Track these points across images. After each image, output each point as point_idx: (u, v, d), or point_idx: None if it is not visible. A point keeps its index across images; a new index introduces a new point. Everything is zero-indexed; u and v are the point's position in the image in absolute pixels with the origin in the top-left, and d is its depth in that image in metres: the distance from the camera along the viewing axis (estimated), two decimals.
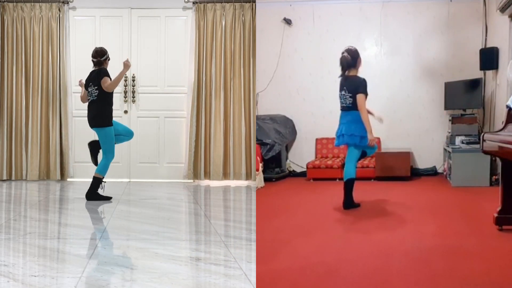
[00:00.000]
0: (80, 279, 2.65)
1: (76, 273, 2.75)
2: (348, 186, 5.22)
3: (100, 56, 5.41)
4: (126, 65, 5.42)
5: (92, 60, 5.46)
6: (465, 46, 7.69)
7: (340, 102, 5.29)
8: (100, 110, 5.36)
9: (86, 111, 5.48)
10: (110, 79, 5.34)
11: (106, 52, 5.49)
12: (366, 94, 5.18)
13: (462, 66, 7.69)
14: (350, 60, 5.19)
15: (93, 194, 5.41)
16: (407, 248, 3.70)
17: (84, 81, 5.53)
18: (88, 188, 5.44)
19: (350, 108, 5.20)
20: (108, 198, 5.48)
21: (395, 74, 7.98)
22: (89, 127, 5.53)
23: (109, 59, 5.53)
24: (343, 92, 5.23)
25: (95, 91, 5.35)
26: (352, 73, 5.24)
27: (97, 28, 7.28)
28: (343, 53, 5.23)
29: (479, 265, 3.26)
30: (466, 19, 7.71)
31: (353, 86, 5.15)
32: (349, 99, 5.17)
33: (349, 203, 5.20)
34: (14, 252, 3.26)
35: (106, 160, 5.43)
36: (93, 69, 5.46)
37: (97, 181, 5.43)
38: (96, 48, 5.54)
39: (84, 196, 5.44)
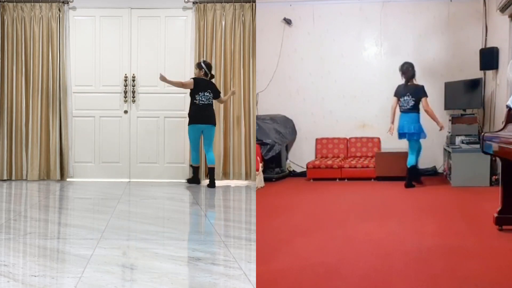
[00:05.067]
0: (80, 279, 2.65)
1: (76, 273, 2.75)
2: (412, 171, 6.68)
3: (211, 70, 6.70)
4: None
5: (207, 72, 6.66)
6: (465, 46, 7.69)
7: (403, 105, 6.69)
8: (213, 112, 6.68)
9: (195, 111, 6.59)
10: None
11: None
12: (427, 96, 6.65)
13: (462, 66, 7.69)
14: (412, 72, 6.70)
15: (214, 181, 6.65)
16: (407, 248, 3.70)
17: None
18: (210, 180, 6.60)
19: (410, 110, 6.64)
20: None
21: (395, 74, 7.93)
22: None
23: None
24: (406, 97, 6.67)
25: (211, 98, 6.60)
26: (411, 82, 6.71)
27: (97, 28, 7.27)
28: (406, 66, 6.71)
29: (479, 265, 3.26)
30: (466, 19, 7.71)
31: (416, 92, 6.63)
32: (412, 102, 6.63)
33: (411, 184, 6.62)
34: (14, 252, 3.26)
35: (212, 150, 6.72)
36: (204, 77, 6.64)
37: (213, 170, 6.68)
38: (206, 62, 6.73)
39: (208, 186, 6.58)
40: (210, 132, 6.63)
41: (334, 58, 8.16)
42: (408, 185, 6.61)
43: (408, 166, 6.66)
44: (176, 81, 6.61)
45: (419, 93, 6.61)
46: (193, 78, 6.60)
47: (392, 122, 6.86)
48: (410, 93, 6.65)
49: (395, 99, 6.79)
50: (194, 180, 6.82)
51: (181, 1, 7.21)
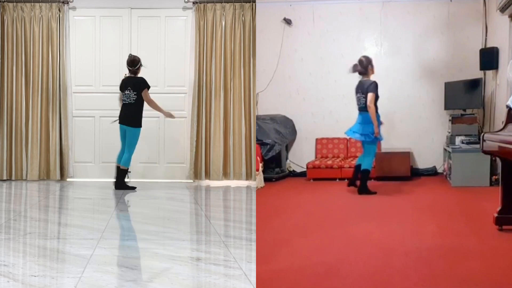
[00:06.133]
0: (80, 279, 2.65)
1: (76, 273, 2.75)
2: (366, 175, 6.14)
3: (133, 65, 6.22)
4: (170, 116, 6.48)
5: (129, 69, 6.27)
6: (465, 46, 7.69)
7: (356, 104, 6.20)
8: (135, 112, 6.20)
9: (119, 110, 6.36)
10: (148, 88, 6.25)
11: (139, 61, 6.27)
12: (375, 93, 6.03)
13: (462, 66, 7.69)
14: (361, 68, 6.14)
15: (121, 184, 6.25)
16: (407, 248, 3.70)
17: None
18: (115, 179, 6.28)
19: (363, 109, 6.10)
20: (133, 188, 6.30)
21: (395, 74, 7.98)
22: (115, 124, 6.41)
23: (141, 66, 6.31)
24: (358, 95, 6.14)
25: (134, 96, 6.18)
26: (365, 77, 6.16)
27: (97, 28, 7.28)
28: (360, 59, 6.20)
29: (479, 265, 3.26)
30: (466, 19, 7.71)
31: (365, 87, 6.05)
32: (363, 99, 6.06)
33: (365, 190, 6.13)
34: (14, 252, 3.26)
35: (128, 154, 6.26)
36: (129, 75, 6.29)
37: (124, 172, 6.25)
38: (131, 56, 6.28)
39: (113, 186, 6.27)
40: (129, 134, 6.23)
41: (334, 58, 8.16)
42: (365, 191, 6.10)
43: (362, 168, 6.11)
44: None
45: (367, 89, 6.01)
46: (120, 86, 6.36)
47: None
48: (362, 90, 6.08)
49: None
50: (121, 185, 6.28)
51: (181, 1, 7.21)
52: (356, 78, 7.54)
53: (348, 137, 8.07)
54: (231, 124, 7.18)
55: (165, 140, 7.31)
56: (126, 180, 6.32)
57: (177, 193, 6.22)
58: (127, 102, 6.22)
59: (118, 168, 6.30)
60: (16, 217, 4.47)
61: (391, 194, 6.24)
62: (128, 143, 6.24)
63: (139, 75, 6.27)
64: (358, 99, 6.13)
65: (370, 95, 5.96)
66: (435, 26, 7.83)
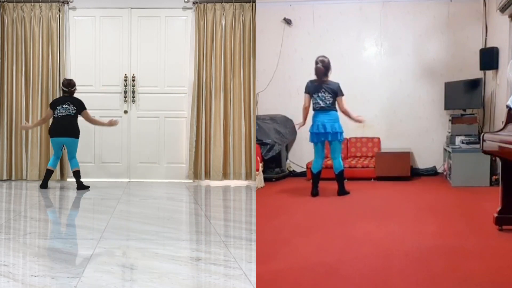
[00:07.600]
0: (80, 279, 2.65)
1: (76, 273, 2.75)
2: (343, 176, 6.25)
3: (70, 86, 6.42)
4: (111, 124, 6.54)
5: (65, 89, 6.43)
6: (465, 46, 7.69)
7: (318, 102, 6.09)
8: (76, 124, 6.33)
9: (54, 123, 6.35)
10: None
11: (75, 84, 6.51)
12: (343, 95, 6.18)
13: (462, 66, 7.69)
14: (325, 70, 6.09)
15: (81, 184, 6.35)
16: (407, 248, 3.70)
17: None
18: (78, 182, 6.33)
19: (330, 108, 6.09)
20: (87, 187, 6.39)
21: (395, 74, 7.98)
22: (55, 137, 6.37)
23: (76, 89, 6.54)
24: (322, 94, 6.08)
25: (73, 110, 6.30)
26: (325, 78, 6.12)
27: (97, 28, 7.28)
28: (317, 63, 6.09)
29: (479, 265, 3.26)
30: (466, 19, 7.71)
31: (334, 89, 6.08)
32: (330, 99, 6.06)
33: (344, 190, 6.22)
34: (14, 252, 3.26)
35: (75, 158, 6.33)
36: (65, 95, 6.43)
37: (79, 174, 6.36)
38: (68, 79, 6.53)
39: (79, 189, 6.26)
40: (71, 144, 6.29)
41: (334, 58, 8.06)
42: (343, 192, 6.18)
43: (340, 170, 6.15)
44: (38, 122, 6.77)
45: (336, 90, 6.06)
46: (50, 104, 6.48)
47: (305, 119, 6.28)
48: (327, 89, 6.06)
49: (307, 96, 6.15)
50: (43, 184, 6.31)
51: (181, 1, 7.22)
52: (354, 78, 7.51)
53: (347, 138, 8.11)
54: (231, 124, 7.18)
55: (165, 140, 7.31)
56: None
57: (177, 193, 6.22)
58: (65, 114, 6.24)
59: (50, 171, 6.35)
60: (16, 217, 4.47)
61: (391, 194, 6.24)
62: (73, 153, 6.31)
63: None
64: (323, 98, 6.05)
65: (344, 99, 6.12)
66: (435, 26, 7.83)
